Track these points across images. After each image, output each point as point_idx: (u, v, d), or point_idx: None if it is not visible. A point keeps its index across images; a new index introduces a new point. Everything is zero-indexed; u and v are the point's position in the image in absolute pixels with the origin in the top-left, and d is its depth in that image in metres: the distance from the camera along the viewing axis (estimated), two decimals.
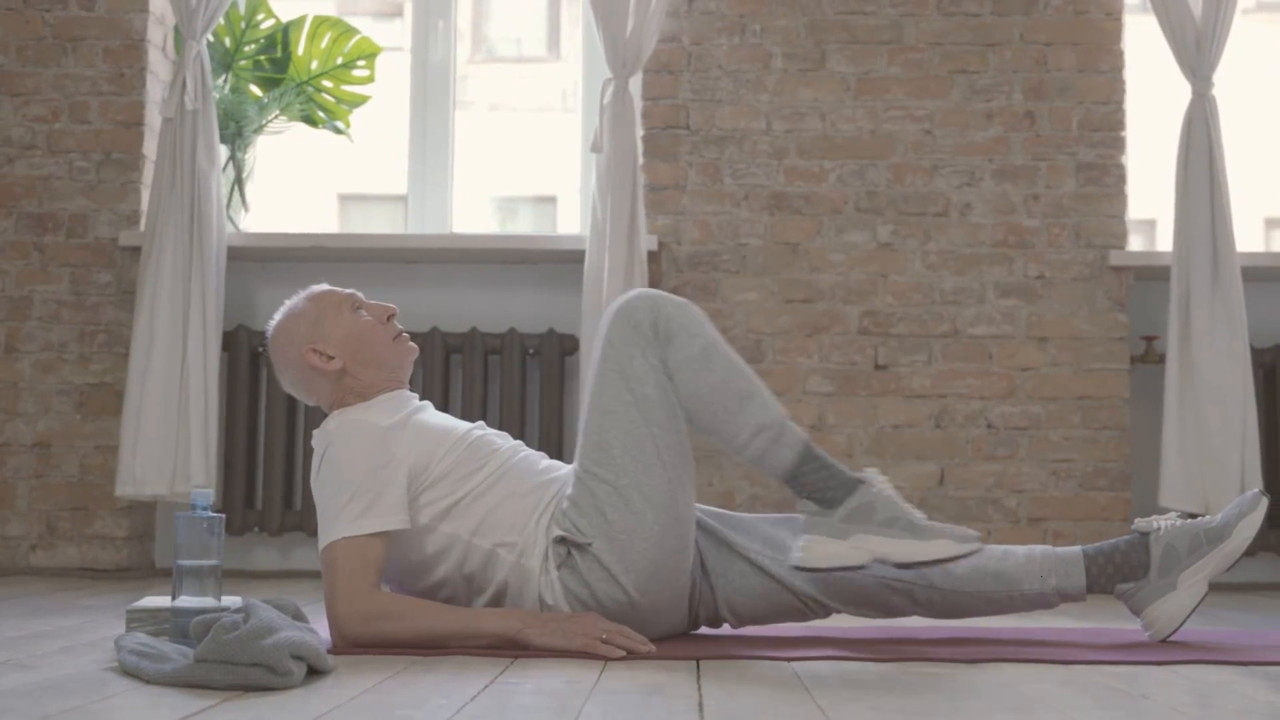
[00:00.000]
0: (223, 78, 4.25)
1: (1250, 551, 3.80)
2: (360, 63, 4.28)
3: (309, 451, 3.95)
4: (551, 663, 2.05)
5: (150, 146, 4.09)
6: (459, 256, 4.09)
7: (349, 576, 2.17)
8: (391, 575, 2.33)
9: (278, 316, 2.42)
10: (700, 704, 1.70)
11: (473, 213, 10.35)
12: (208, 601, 2.09)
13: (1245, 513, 2.34)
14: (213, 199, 3.91)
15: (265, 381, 4.03)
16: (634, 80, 4.01)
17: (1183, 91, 3.92)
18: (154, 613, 2.19)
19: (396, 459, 2.25)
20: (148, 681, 1.84)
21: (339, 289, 2.43)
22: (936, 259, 4.01)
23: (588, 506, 2.25)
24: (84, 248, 4.04)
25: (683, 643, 2.29)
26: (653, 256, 4.00)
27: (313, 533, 3.88)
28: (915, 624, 2.67)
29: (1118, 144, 4.03)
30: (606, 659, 2.10)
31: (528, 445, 3.52)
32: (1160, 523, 2.35)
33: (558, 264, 4.11)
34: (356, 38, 4.27)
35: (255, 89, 4.29)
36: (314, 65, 4.26)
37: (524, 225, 10.94)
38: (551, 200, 10.76)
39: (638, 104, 4.01)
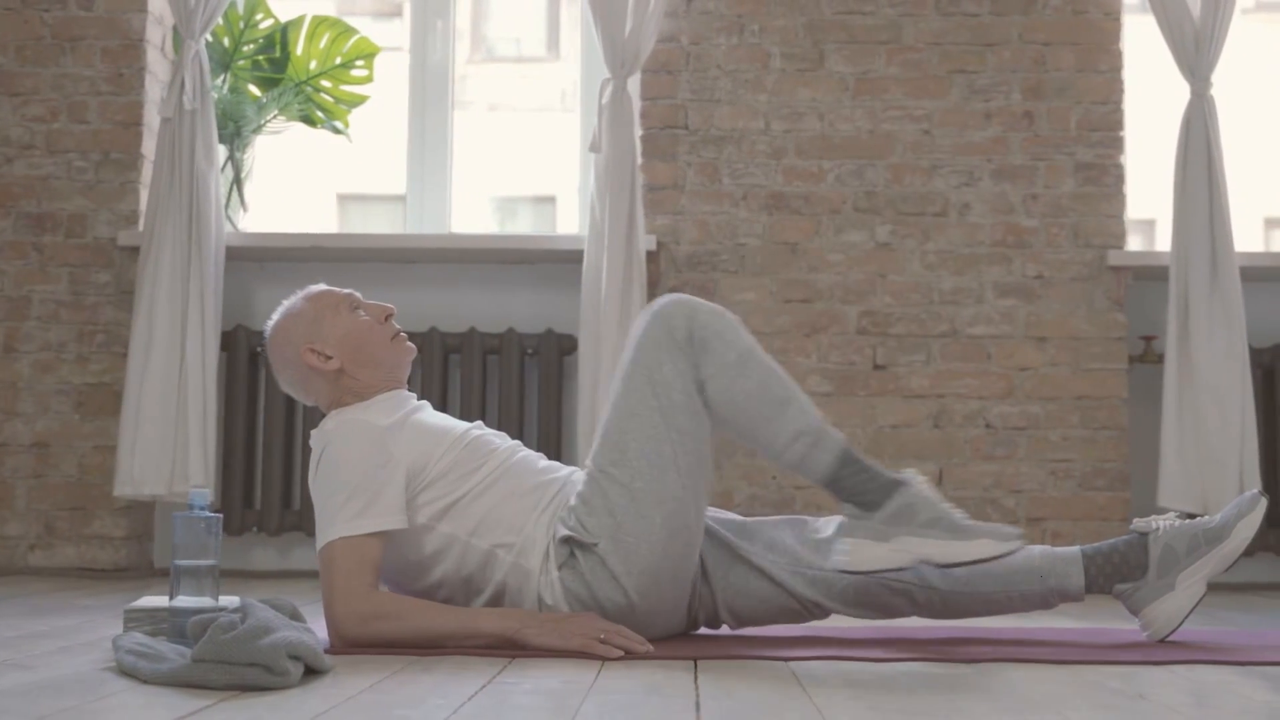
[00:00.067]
0: (221, 77, 4.25)
1: (1249, 552, 3.78)
2: (359, 63, 4.28)
3: (307, 451, 3.95)
4: (549, 663, 2.05)
5: (149, 146, 4.09)
6: (457, 256, 4.09)
7: (346, 576, 2.17)
8: (389, 575, 2.33)
9: (276, 316, 2.42)
10: (698, 703, 1.70)
11: (472, 213, 10.36)
12: (205, 601, 2.08)
13: (1244, 513, 2.34)
14: (211, 199, 3.90)
15: (264, 381, 4.03)
16: (633, 80, 4.01)
17: (1181, 91, 3.92)
18: (151, 612, 2.19)
19: (394, 459, 2.25)
20: (145, 681, 1.83)
21: (337, 289, 2.43)
22: (935, 259, 4.01)
23: (598, 505, 2.24)
24: (82, 248, 4.04)
25: (681, 642, 2.29)
26: (651, 256, 4.00)
27: (311, 533, 3.88)
28: (913, 624, 2.67)
29: (1116, 144, 4.03)
30: (604, 659, 2.10)
31: (526, 445, 3.52)
32: (1159, 523, 2.35)
33: (556, 264, 4.11)
34: (355, 38, 4.27)
35: (254, 89, 4.29)
36: (312, 65, 4.26)
37: (523, 225, 10.94)
38: (551, 200, 10.76)
39: (636, 104, 4.01)
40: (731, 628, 2.42)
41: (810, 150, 4.04)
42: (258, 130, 4.26)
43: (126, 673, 1.89)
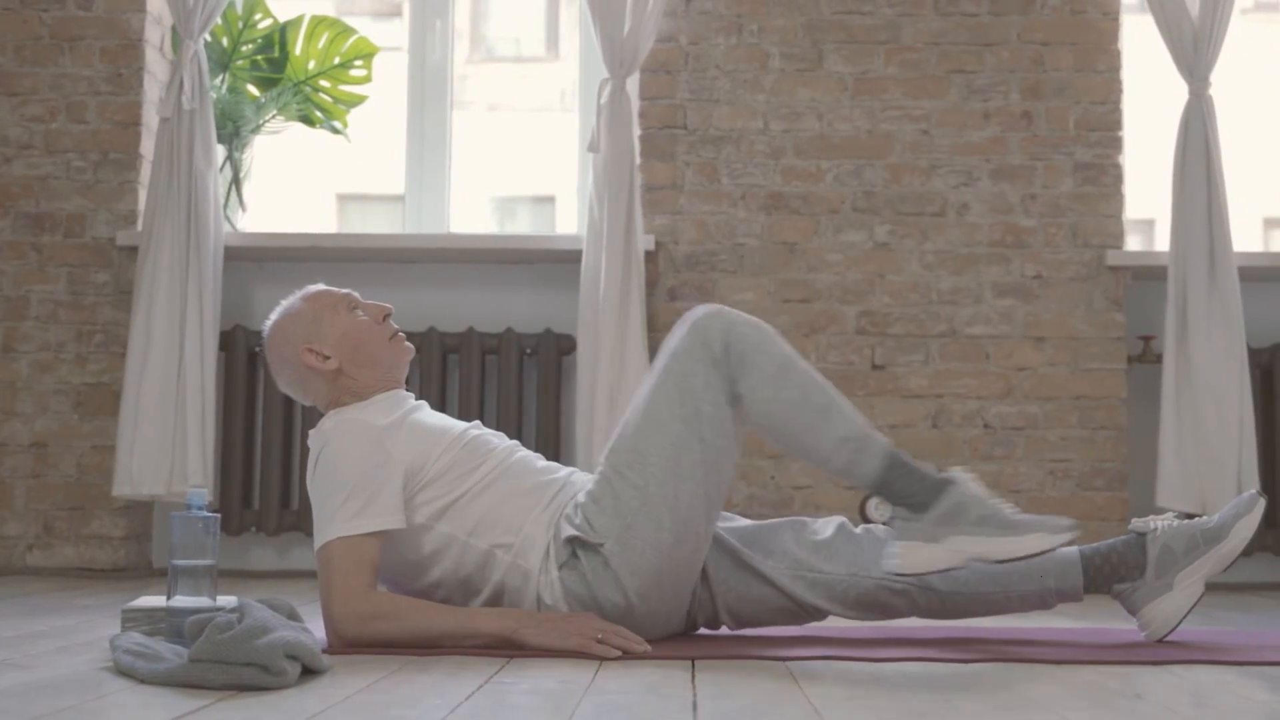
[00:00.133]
0: (220, 77, 4.25)
1: (1247, 552, 3.79)
2: (358, 62, 4.28)
3: (306, 451, 3.94)
4: (547, 662, 2.05)
5: (147, 146, 4.09)
6: (456, 256, 4.09)
7: (344, 576, 2.17)
8: (388, 575, 2.33)
9: (274, 316, 2.42)
10: (695, 703, 1.70)
11: (472, 213, 10.35)
12: (203, 601, 2.08)
13: (1242, 514, 2.34)
14: (210, 199, 3.90)
15: (262, 381, 4.02)
16: (631, 80, 4.01)
17: (1180, 91, 3.92)
18: (149, 612, 2.19)
19: (393, 459, 2.25)
20: (142, 681, 1.83)
21: (335, 289, 2.43)
22: (934, 259, 4.01)
23: (608, 505, 2.24)
24: (81, 247, 4.04)
25: (679, 642, 2.29)
26: (650, 256, 4.00)
27: (310, 533, 3.88)
28: (912, 624, 2.67)
29: (1115, 144, 4.03)
30: (602, 659, 2.10)
31: (525, 445, 3.53)
32: (1157, 523, 2.35)
33: (555, 264, 4.11)
34: (354, 38, 4.27)
35: (252, 89, 4.29)
36: (311, 65, 4.26)
37: (523, 225, 10.94)
38: (550, 200, 10.75)
39: (635, 104, 4.01)
40: (731, 629, 2.42)
41: (809, 150, 4.04)
42: (256, 130, 4.26)
43: (124, 672, 1.89)
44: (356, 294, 2.44)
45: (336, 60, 4.27)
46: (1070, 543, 2.20)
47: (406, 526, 2.25)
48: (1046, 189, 4.02)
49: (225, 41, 4.22)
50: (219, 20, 4.16)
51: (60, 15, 4.09)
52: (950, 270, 4.00)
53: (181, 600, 2.08)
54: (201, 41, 3.95)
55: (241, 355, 4.00)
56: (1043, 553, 2.17)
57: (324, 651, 2.09)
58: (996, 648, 2.23)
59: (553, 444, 3.94)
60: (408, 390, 2.47)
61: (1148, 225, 9.50)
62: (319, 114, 4.30)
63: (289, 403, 3.99)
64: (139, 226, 4.03)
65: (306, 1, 4.56)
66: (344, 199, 10.99)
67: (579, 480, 2.38)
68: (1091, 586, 2.33)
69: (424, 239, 4.06)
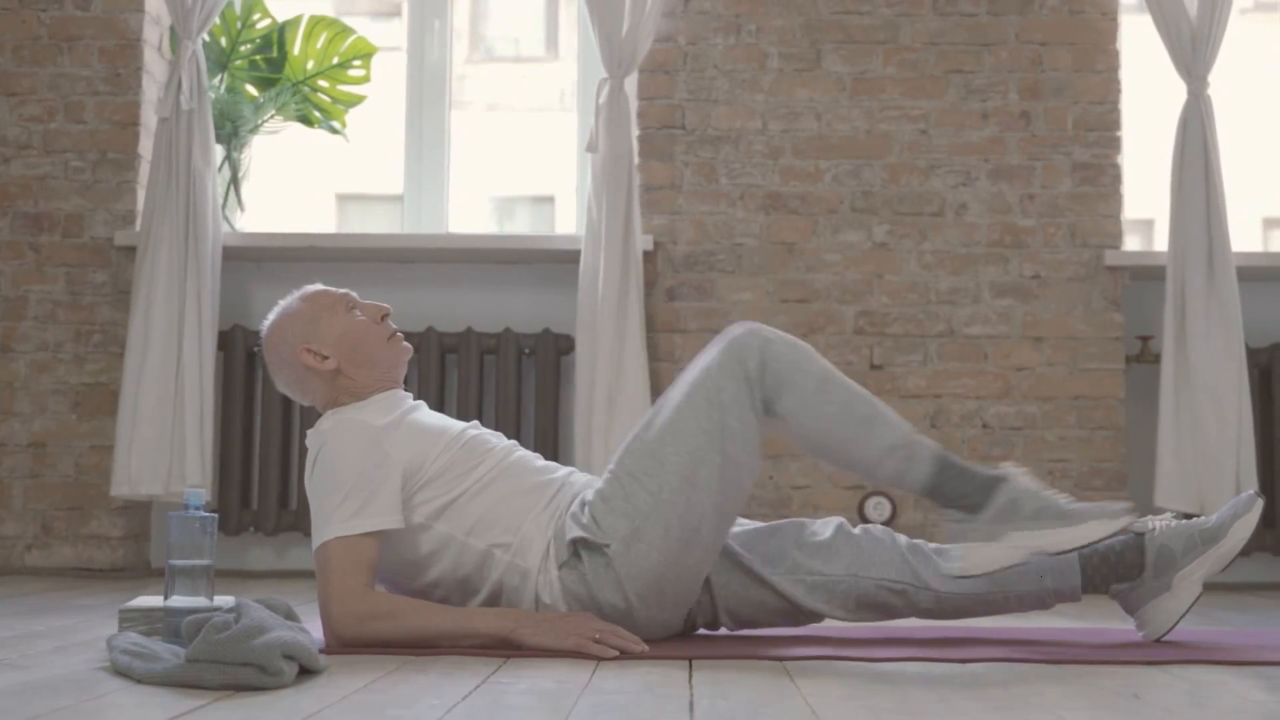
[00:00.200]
0: (218, 77, 4.25)
1: (1245, 552, 3.79)
2: (356, 62, 4.28)
3: (304, 451, 3.94)
4: (544, 662, 2.05)
5: (146, 146, 4.09)
6: (455, 256, 4.09)
7: (342, 576, 2.17)
8: (386, 574, 2.33)
9: (272, 316, 2.42)
10: (691, 703, 1.70)
11: (471, 213, 10.35)
12: (200, 601, 2.08)
13: (1240, 514, 2.34)
14: (208, 199, 3.90)
15: (261, 381, 4.02)
16: (630, 80, 4.01)
17: (1178, 91, 3.92)
18: (147, 612, 2.19)
19: (391, 458, 2.24)
20: (139, 681, 1.83)
21: (333, 289, 2.43)
22: (932, 259, 4.01)
23: (619, 506, 2.24)
24: (79, 247, 4.04)
25: (676, 642, 2.29)
26: (648, 256, 4.00)
27: (308, 533, 3.88)
28: (909, 624, 2.67)
29: (1113, 144, 4.03)
30: (599, 659, 2.10)
31: (523, 445, 3.52)
32: (1155, 523, 2.35)
33: (553, 264, 4.10)
34: (352, 37, 4.27)
35: (251, 89, 4.29)
36: (310, 65, 4.26)
37: (522, 225, 10.94)
38: (550, 200, 10.75)
39: (633, 104, 4.01)
40: (730, 630, 2.42)
41: (807, 150, 4.04)
42: (255, 130, 4.26)
43: (121, 672, 1.89)
44: (354, 294, 2.44)
45: (335, 60, 4.27)
46: (1129, 525, 2.21)
47: (404, 526, 2.25)
48: (1045, 189, 4.02)
49: (224, 41, 4.22)
50: (217, 20, 4.16)
51: (58, 15, 4.09)
52: (949, 270, 4.00)
53: (179, 600, 2.08)
54: (200, 41, 3.95)
55: (240, 355, 4.00)
56: (1103, 539, 2.18)
57: (321, 651, 2.09)
58: (994, 647, 2.23)
59: (551, 444, 3.94)
60: (406, 390, 2.47)
61: (1146, 225, 9.50)
62: (317, 114, 4.29)
63: (287, 403, 3.99)
64: (137, 226, 4.03)
65: (305, 1, 4.56)
66: (343, 199, 10.98)
67: (577, 480, 2.38)
68: (1089, 586, 2.33)
69: (423, 239, 4.06)
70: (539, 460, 2.41)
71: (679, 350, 3.99)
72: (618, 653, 2.11)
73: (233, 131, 4.21)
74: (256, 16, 4.23)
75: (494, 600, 2.29)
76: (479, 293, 4.12)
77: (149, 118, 4.10)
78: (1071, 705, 1.69)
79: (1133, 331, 4.06)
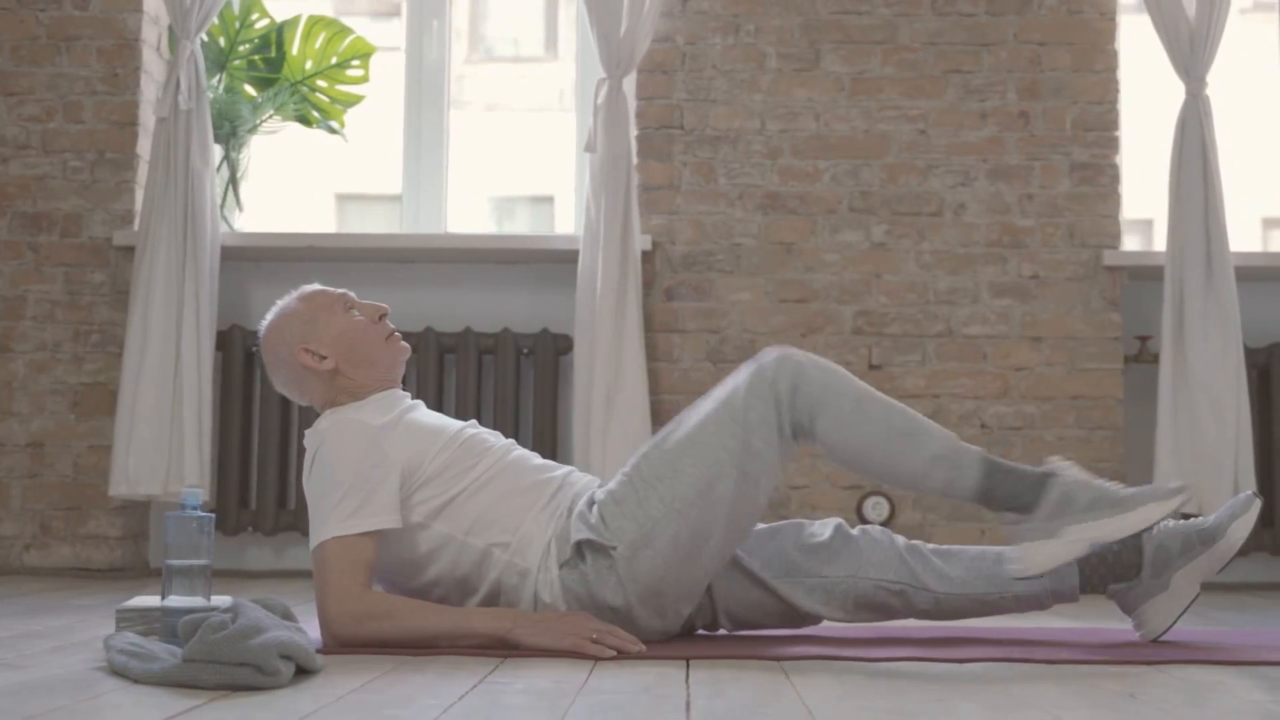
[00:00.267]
0: (217, 77, 4.25)
1: (1243, 551, 3.76)
2: (355, 62, 4.28)
3: (302, 451, 3.94)
4: (541, 662, 2.05)
5: (144, 146, 4.09)
6: (453, 256, 4.09)
7: (340, 576, 2.17)
8: (384, 574, 2.33)
9: (270, 316, 2.42)
10: (688, 703, 1.70)
11: (471, 212, 10.34)
12: (197, 601, 2.08)
13: (1238, 514, 2.34)
14: (207, 199, 3.90)
15: (259, 381, 4.02)
16: (628, 80, 4.01)
17: (1177, 91, 3.92)
18: (144, 612, 2.19)
19: (389, 458, 2.24)
20: (135, 681, 1.83)
21: (331, 289, 2.43)
22: (930, 259, 4.01)
23: (630, 510, 2.23)
24: (78, 247, 4.04)
25: (674, 642, 2.29)
26: (647, 256, 4.00)
27: (306, 533, 3.87)
28: (906, 624, 2.67)
29: (1112, 144, 4.03)
30: (597, 659, 2.10)
31: (522, 444, 3.52)
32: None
33: (552, 264, 4.10)
34: (351, 37, 4.27)
35: (249, 89, 4.29)
36: (308, 65, 4.26)
37: (521, 225, 10.94)
38: (549, 200, 10.75)
39: (632, 104, 4.01)
40: (729, 631, 2.42)
41: (806, 150, 4.04)
42: (253, 130, 4.26)
43: (118, 672, 1.89)
44: (353, 294, 2.44)
45: (334, 60, 4.27)
46: (1185, 503, 2.22)
47: (403, 526, 2.24)
48: (1043, 189, 4.02)
49: (222, 41, 4.22)
50: (216, 20, 4.16)
51: (57, 15, 4.09)
52: (947, 270, 4.00)
53: (176, 600, 2.08)
54: (198, 41, 3.95)
55: (238, 355, 4.00)
56: (1159, 521, 2.20)
57: (319, 651, 2.09)
58: (991, 647, 2.23)
59: (549, 443, 3.94)
60: (404, 390, 2.47)
61: (1145, 225, 9.50)
62: (316, 114, 4.29)
63: (286, 403, 3.99)
64: (136, 226, 4.03)
65: (304, 1, 4.56)
66: (344, 199, 10.98)
67: (577, 479, 2.38)
68: (1087, 586, 2.33)
69: (421, 239, 4.06)
70: (537, 459, 2.41)
71: (677, 350, 3.99)
72: (615, 653, 2.11)
73: (231, 131, 4.21)
74: (255, 16, 4.23)
75: (492, 599, 2.29)
76: (477, 293, 4.12)
77: (147, 118, 4.10)
78: (1068, 705, 1.69)
79: (1131, 331, 4.06)
